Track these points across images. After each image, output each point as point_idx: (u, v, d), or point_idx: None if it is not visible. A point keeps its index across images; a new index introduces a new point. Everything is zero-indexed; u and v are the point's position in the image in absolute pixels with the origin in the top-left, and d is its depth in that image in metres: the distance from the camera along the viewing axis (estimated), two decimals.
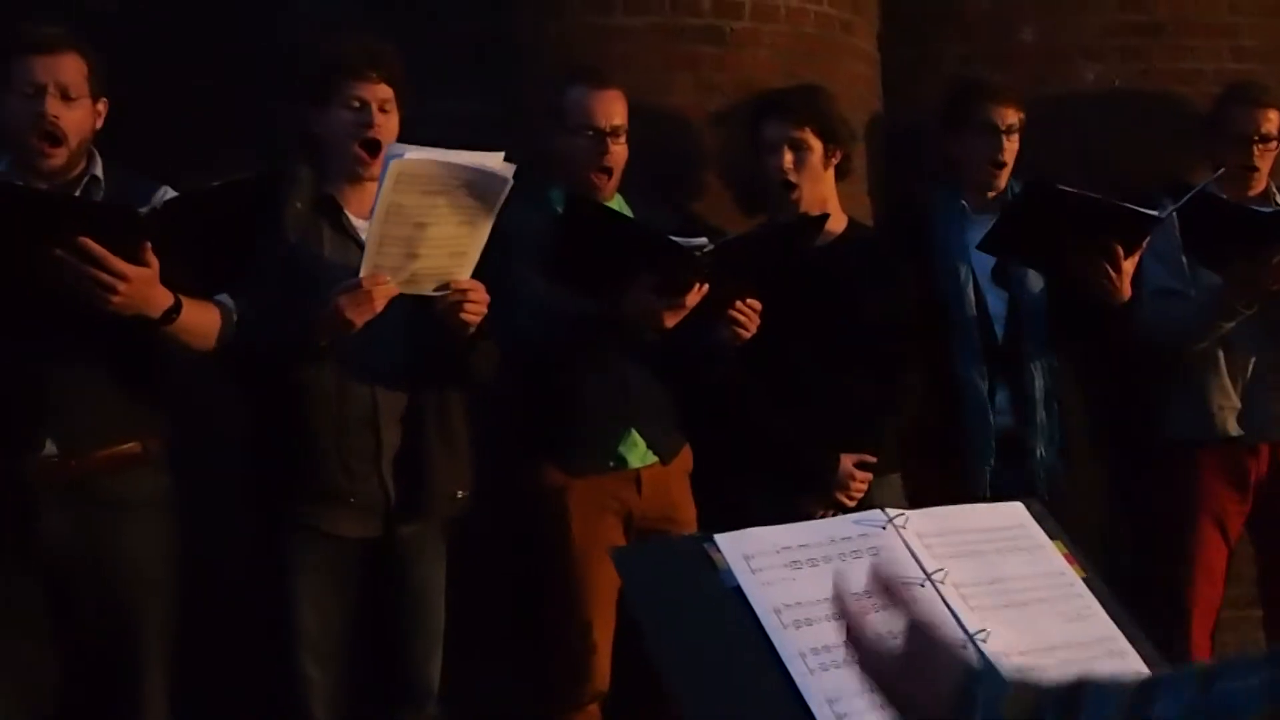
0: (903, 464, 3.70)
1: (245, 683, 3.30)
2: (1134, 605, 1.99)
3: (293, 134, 3.32)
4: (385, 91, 3.21)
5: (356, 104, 3.19)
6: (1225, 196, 3.83)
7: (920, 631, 1.36)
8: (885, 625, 1.37)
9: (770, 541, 1.83)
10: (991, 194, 3.87)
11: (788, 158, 3.61)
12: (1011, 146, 3.84)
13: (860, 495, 3.55)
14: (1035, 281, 3.80)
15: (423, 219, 2.94)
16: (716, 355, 3.48)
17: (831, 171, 3.69)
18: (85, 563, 2.97)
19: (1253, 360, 4.02)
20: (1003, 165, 3.84)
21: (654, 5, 3.86)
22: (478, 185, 2.96)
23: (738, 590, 1.76)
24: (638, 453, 3.48)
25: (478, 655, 3.40)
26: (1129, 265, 3.56)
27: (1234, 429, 4.02)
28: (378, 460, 3.17)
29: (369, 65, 3.20)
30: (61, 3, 3.47)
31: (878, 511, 1.92)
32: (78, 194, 3.01)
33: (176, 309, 2.89)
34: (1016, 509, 2.05)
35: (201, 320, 3.00)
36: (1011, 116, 3.85)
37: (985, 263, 3.78)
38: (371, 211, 2.95)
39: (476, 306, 3.07)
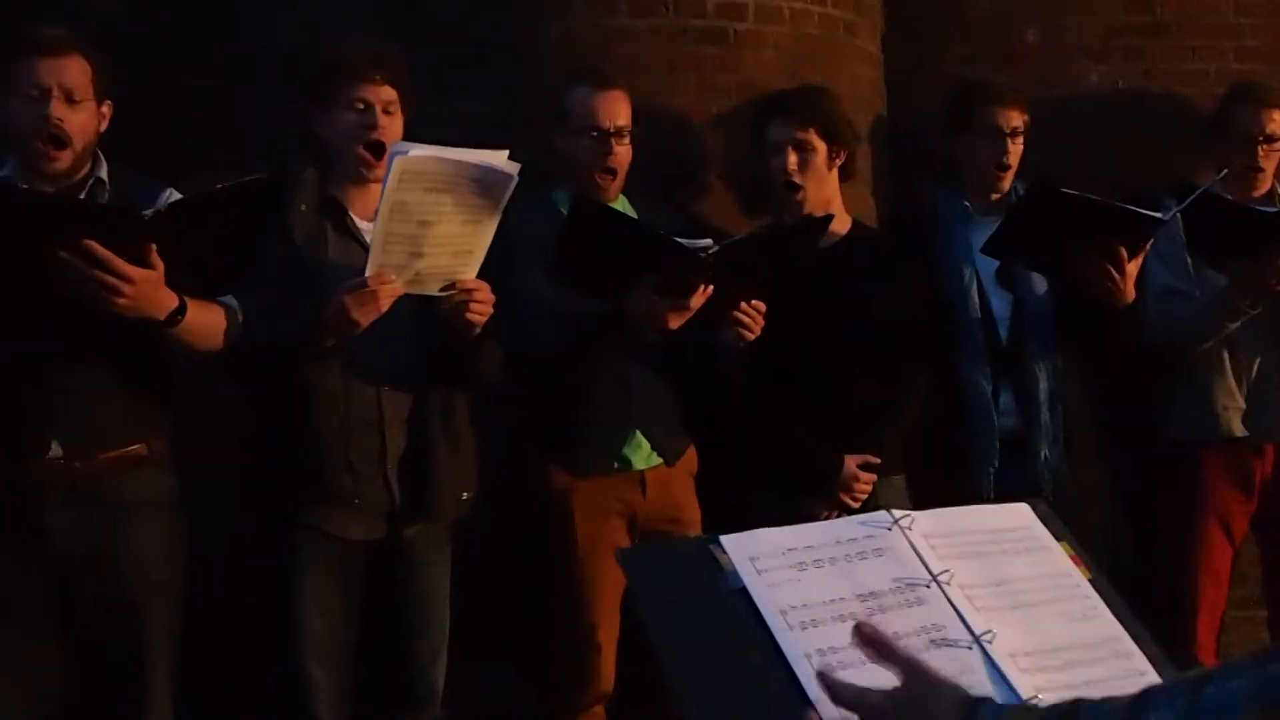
0: (907, 465, 3.70)
1: (249, 684, 3.30)
2: (1139, 606, 1.98)
3: (296, 136, 3.33)
4: (389, 93, 3.21)
5: (360, 105, 3.19)
6: (1229, 197, 3.83)
7: (917, 673, 1.38)
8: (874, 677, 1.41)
9: (776, 543, 1.82)
10: (995, 196, 3.87)
11: (792, 159, 3.61)
12: (1016, 149, 3.83)
13: (864, 496, 3.55)
14: (1039, 283, 3.80)
15: (427, 216, 2.94)
16: (721, 356, 3.48)
17: (835, 173, 3.70)
18: (90, 563, 2.97)
19: (1257, 360, 4.01)
20: (1007, 168, 3.83)
21: (657, 7, 3.87)
22: (483, 183, 2.96)
23: (743, 591, 1.76)
24: (642, 454, 3.48)
25: (482, 656, 3.40)
26: (1133, 267, 3.56)
27: (1239, 429, 4.01)
28: (382, 462, 3.17)
29: (373, 67, 3.20)
30: (66, 5, 3.48)
31: (884, 513, 1.92)
32: (83, 196, 3.01)
33: (181, 311, 2.89)
34: (1022, 510, 2.04)
35: (206, 322, 3.00)
36: (1016, 119, 3.84)
37: (989, 264, 3.78)
38: (376, 212, 2.95)
39: (482, 306, 3.07)
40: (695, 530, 3.48)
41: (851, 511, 3.45)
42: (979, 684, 1.66)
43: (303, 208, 3.18)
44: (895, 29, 4.39)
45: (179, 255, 2.83)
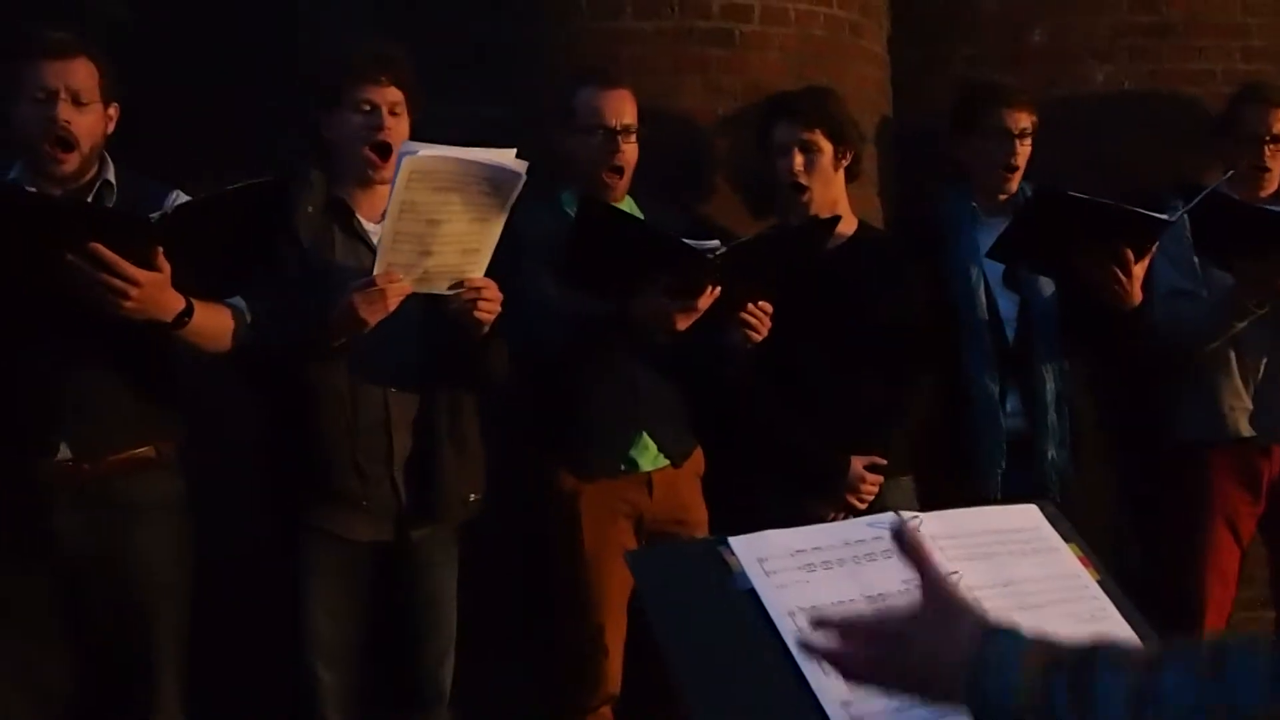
0: (914, 466, 3.70)
1: (257, 685, 3.30)
2: (1146, 608, 1.98)
3: (301, 137, 3.33)
4: (395, 95, 3.21)
5: (367, 107, 3.20)
6: (1236, 197, 3.82)
7: (941, 593, 1.37)
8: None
9: (784, 544, 1.82)
10: (1003, 197, 3.86)
11: (798, 160, 3.61)
12: (1024, 150, 3.83)
13: (871, 497, 3.54)
14: (1046, 284, 3.79)
15: (435, 215, 2.95)
16: (728, 358, 3.48)
17: (842, 173, 3.69)
18: (98, 565, 2.98)
19: (1264, 361, 4.01)
20: (1015, 169, 3.83)
21: (663, 8, 3.86)
22: (490, 181, 2.96)
23: (752, 593, 1.76)
24: (649, 456, 3.48)
25: (489, 658, 3.41)
26: (1139, 269, 3.55)
27: (1246, 430, 4.01)
28: (390, 463, 3.17)
29: (379, 69, 3.21)
30: (72, 8, 3.49)
31: (892, 514, 1.92)
32: (90, 199, 3.02)
33: (188, 313, 2.90)
34: (1030, 511, 2.04)
35: (214, 324, 3.00)
36: (1024, 120, 3.84)
37: (996, 265, 3.77)
38: (384, 212, 2.96)
39: (490, 305, 3.07)
40: (702, 532, 3.48)
41: (858, 513, 3.45)
42: None
43: (309, 209, 3.18)
44: (901, 30, 4.39)
45: (186, 257, 2.83)
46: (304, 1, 3.94)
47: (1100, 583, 1.95)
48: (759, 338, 3.40)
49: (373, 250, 3.08)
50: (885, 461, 3.56)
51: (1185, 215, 3.66)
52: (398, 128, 3.21)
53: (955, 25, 4.54)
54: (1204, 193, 3.58)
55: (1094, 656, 1.26)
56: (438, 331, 3.13)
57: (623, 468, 3.46)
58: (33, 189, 2.96)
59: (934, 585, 1.39)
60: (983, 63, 4.45)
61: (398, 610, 3.24)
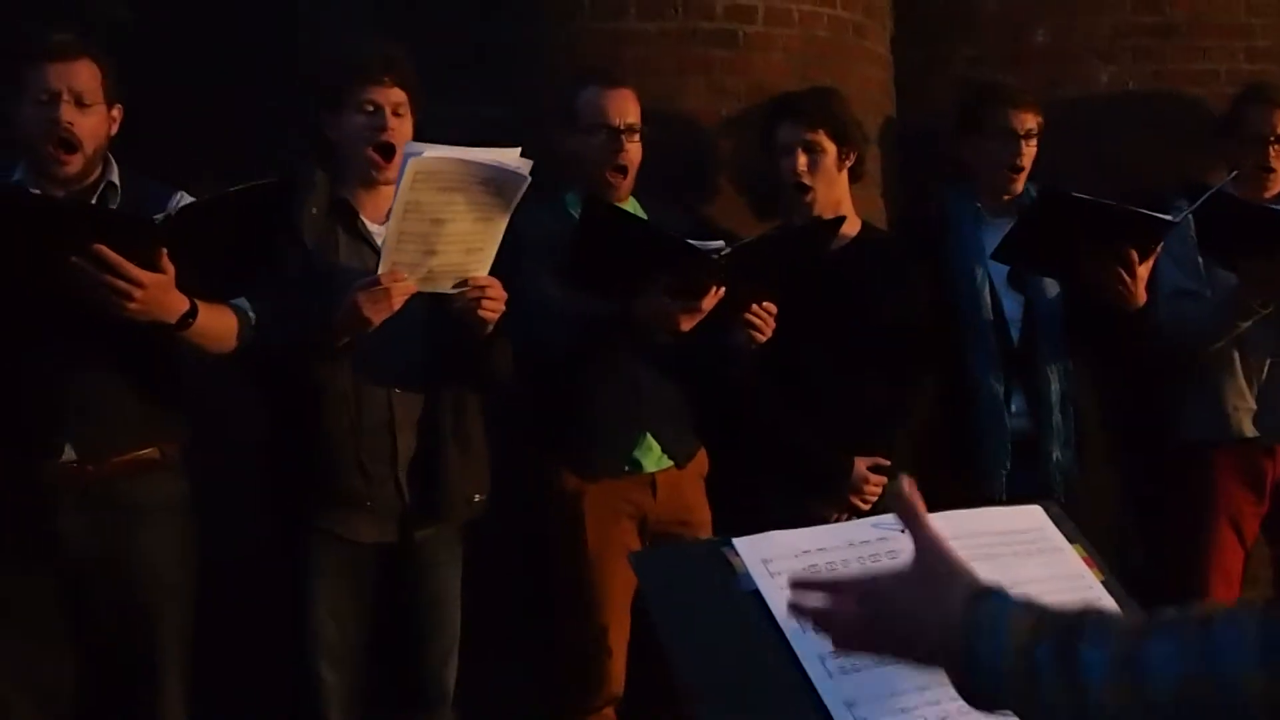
0: (917, 467, 3.69)
1: (261, 687, 3.30)
2: (1150, 608, 1.98)
3: (304, 138, 3.33)
4: (399, 95, 3.21)
5: (370, 108, 3.20)
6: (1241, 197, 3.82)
7: (933, 552, 1.37)
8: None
9: (788, 545, 1.82)
10: (1007, 197, 3.86)
11: (802, 160, 3.61)
12: (1030, 151, 3.82)
13: (874, 498, 3.54)
14: (1051, 285, 3.79)
15: (440, 215, 2.95)
16: (731, 358, 3.48)
17: (845, 174, 3.69)
18: (102, 567, 2.98)
19: (1268, 361, 4.00)
20: (1021, 170, 3.82)
21: (666, 9, 3.86)
22: (495, 182, 2.96)
23: (756, 594, 1.76)
24: (653, 457, 3.48)
25: (493, 659, 3.40)
26: (1144, 270, 3.54)
27: (1249, 430, 4.01)
28: (394, 464, 3.17)
29: (382, 69, 3.21)
30: (72, 9, 3.49)
31: (896, 515, 1.91)
32: (94, 200, 3.02)
33: (193, 314, 2.90)
34: (1034, 512, 2.04)
35: (218, 325, 3.00)
36: (1030, 121, 3.83)
37: (1001, 266, 3.77)
38: (389, 212, 2.96)
39: (494, 303, 3.07)
40: (705, 532, 3.48)
41: (862, 514, 3.45)
42: None
43: (313, 210, 3.18)
44: (904, 31, 4.39)
45: (189, 259, 2.83)
46: (304, 1, 3.94)
47: (1104, 583, 1.95)
48: (763, 338, 3.40)
49: (376, 251, 3.08)
50: (889, 462, 3.56)
51: (1190, 215, 3.66)
52: (401, 128, 3.21)
53: (958, 26, 4.54)
54: (1209, 192, 3.58)
55: (1081, 623, 1.26)
56: (442, 331, 3.13)
57: (626, 468, 3.46)
58: (36, 191, 2.96)
59: (926, 546, 1.38)
60: (985, 63, 4.45)
61: (401, 611, 3.24)
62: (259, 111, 3.70)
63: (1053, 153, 3.93)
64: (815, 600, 1.41)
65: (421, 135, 3.15)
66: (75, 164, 3.00)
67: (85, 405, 2.94)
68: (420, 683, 3.27)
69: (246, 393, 3.23)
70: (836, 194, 3.67)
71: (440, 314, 3.10)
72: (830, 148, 3.63)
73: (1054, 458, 3.71)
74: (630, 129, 3.50)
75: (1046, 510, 2.05)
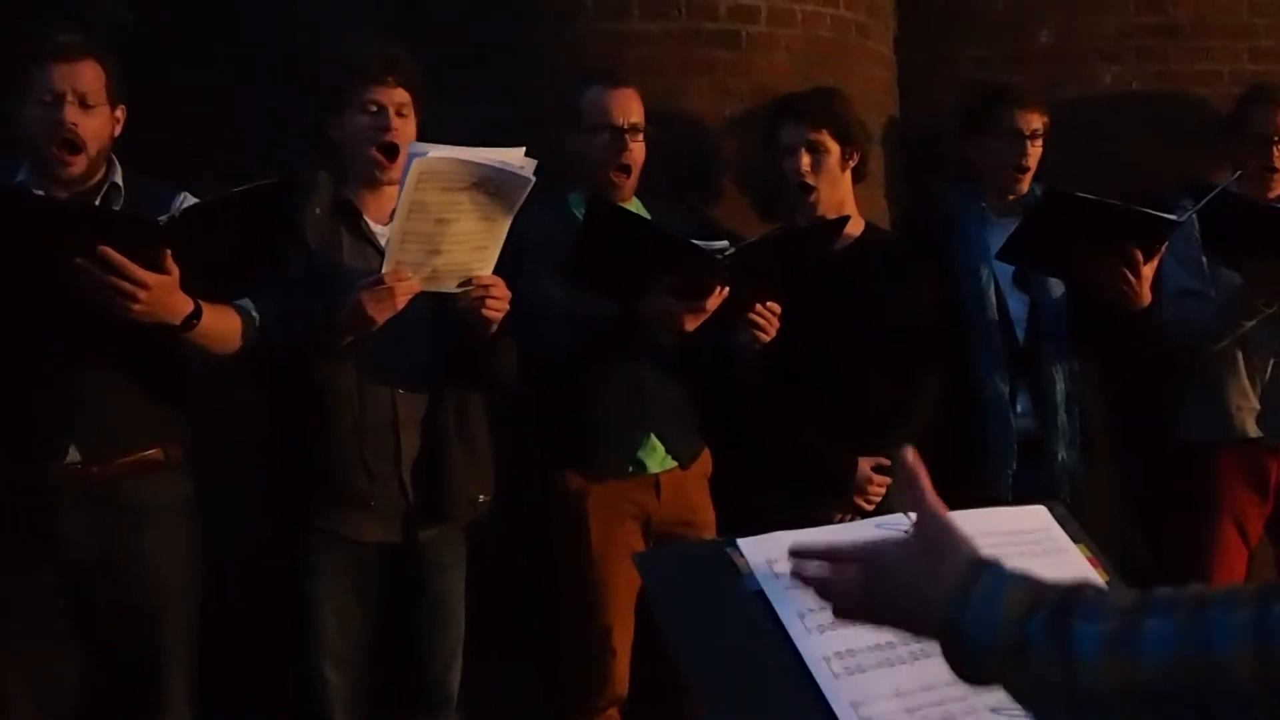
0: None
1: (265, 687, 3.30)
2: None
3: (306, 139, 3.33)
4: (402, 96, 3.21)
5: (373, 108, 3.20)
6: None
7: (934, 523, 1.37)
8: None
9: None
10: (1012, 197, 3.85)
11: (805, 160, 3.61)
12: (1035, 151, 3.82)
13: (879, 499, 3.54)
14: (1056, 285, 3.78)
15: (444, 215, 2.95)
16: (735, 359, 3.48)
17: (849, 174, 3.69)
18: (106, 568, 2.98)
19: (1272, 361, 4.00)
20: (1026, 170, 3.82)
21: (669, 10, 3.86)
22: (499, 182, 2.96)
23: (761, 594, 1.76)
24: (656, 457, 3.48)
25: (496, 660, 3.40)
26: (1148, 270, 3.54)
27: (1253, 430, 4.00)
28: (397, 464, 3.17)
29: (385, 70, 3.21)
30: (72, 9, 3.49)
31: (900, 515, 1.92)
32: (98, 201, 3.02)
33: (196, 315, 2.90)
34: (1039, 512, 2.04)
35: (222, 326, 3.00)
36: (1036, 121, 3.83)
37: (1006, 266, 3.77)
38: (392, 212, 2.96)
39: (498, 303, 3.07)
40: (710, 533, 3.48)
41: (866, 514, 3.45)
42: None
43: (317, 211, 3.19)
44: (907, 31, 4.39)
45: (193, 259, 2.83)
46: (304, 1, 3.94)
47: (1109, 583, 1.95)
48: (767, 338, 3.40)
49: (380, 252, 3.08)
50: (892, 463, 3.56)
51: (1194, 215, 3.65)
52: (404, 129, 3.21)
53: (961, 26, 4.54)
54: (1215, 191, 3.58)
55: (1076, 599, 1.26)
56: (446, 331, 3.13)
57: (630, 469, 3.46)
58: (40, 192, 2.96)
59: (927, 517, 1.38)
60: (989, 64, 4.45)
61: (405, 611, 3.24)
62: (259, 111, 3.71)
63: (1056, 153, 3.92)
64: (815, 568, 1.40)
65: (422, 135, 3.15)
66: (79, 165, 2.99)
67: (89, 406, 2.94)
68: (424, 683, 3.27)
69: (248, 393, 3.23)
70: (840, 194, 3.67)
71: (444, 314, 3.10)
72: (833, 148, 3.63)
73: (1059, 458, 3.71)
74: (634, 129, 3.50)
75: (1052, 510, 2.05)
